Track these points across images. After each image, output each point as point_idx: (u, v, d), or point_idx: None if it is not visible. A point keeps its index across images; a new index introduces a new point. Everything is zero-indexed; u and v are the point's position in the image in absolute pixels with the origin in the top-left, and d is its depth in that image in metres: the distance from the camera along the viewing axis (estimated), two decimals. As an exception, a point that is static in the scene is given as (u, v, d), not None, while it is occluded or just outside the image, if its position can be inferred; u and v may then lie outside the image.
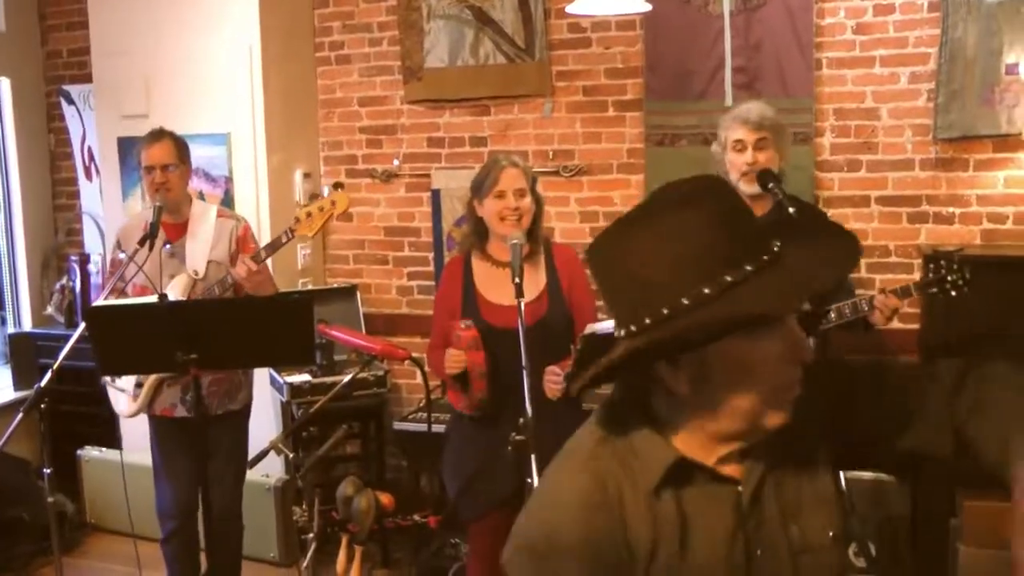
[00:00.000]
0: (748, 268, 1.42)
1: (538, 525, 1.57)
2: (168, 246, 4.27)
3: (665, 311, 1.43)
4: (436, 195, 5.70)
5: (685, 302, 1.42)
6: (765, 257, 1.44)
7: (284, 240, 4.11)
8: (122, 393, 4.35)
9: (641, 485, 1.54)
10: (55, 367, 3.81)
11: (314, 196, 4.12)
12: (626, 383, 1.62)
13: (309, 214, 4.08)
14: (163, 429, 4.38)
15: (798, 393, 1.51)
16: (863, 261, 4.98)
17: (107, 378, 4.40)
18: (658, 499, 1.54)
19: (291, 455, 3.49)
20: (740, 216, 1.49)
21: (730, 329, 1.42)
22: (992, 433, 1.56)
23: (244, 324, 3.71)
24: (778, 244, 1.46)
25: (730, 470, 1.57)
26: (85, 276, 6.39)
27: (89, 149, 6.48)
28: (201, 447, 3.93)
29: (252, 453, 4.37)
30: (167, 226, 4.27)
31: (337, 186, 4.15)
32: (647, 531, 1.53)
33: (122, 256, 4.31)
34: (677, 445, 1.55)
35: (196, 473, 4.03)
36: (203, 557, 4.47)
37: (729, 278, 1.41)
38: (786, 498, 1.59)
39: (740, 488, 1.56)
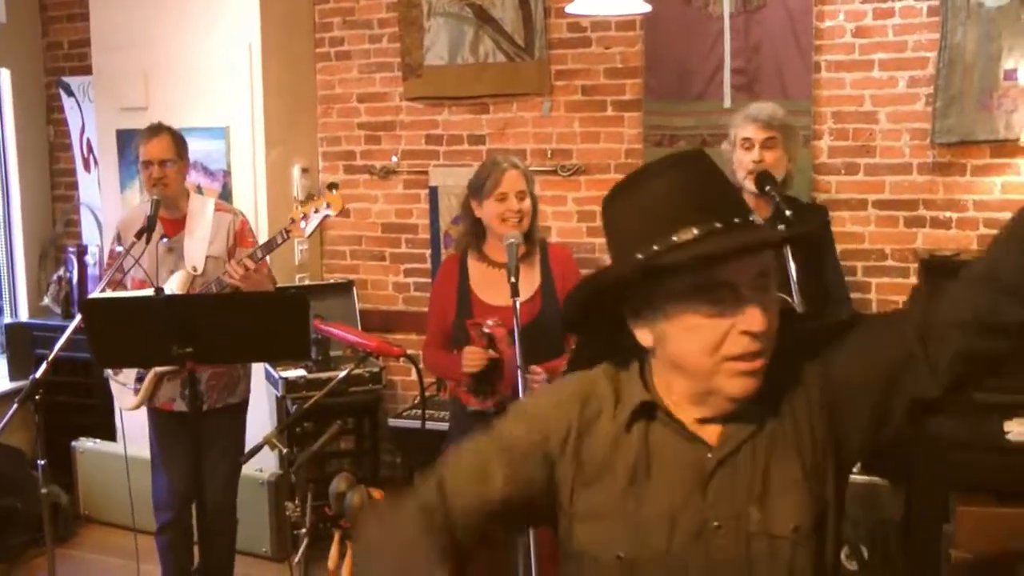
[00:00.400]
0: (695, 231, 1.53)
1: (530, 395, 1.77)
2: (165, 240, 4.28)
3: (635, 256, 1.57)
4: (434, 192, 5.70)
5: (639, 256, 1.55)
6: (718, 224, 1.53)
7: (280, 241, 4.11)
8: (124, 387, 4.36)
9: (618, 417, 1.65)
10: (50, 358, 3.80)
11: (310, 196, 4.12)
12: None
13: (304, 215, 4.08)
14: (162, 422, 4.40)
15: (758, 366, 1.55)
16: (859, 264, 4.99)
17: (109, 372, 4.42)
18: (627, 434, 1.64)
19: (285, 450, 3.50)
20: (711, 185, 1.60)
21: (637, 279, 1.55)
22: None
23: (240, 319, 3.71)
24: (752, 216, 1.58)
25: (708, 433, 1.63)
26: (82, 267, 6.40)
27: (88, 141, 6.48)
28: (196, 441, 3.92)
29: (247, 447, 4.39)
30: (164, 221, 4.27)
31: (331, 187, 4.15)
32: (602, 455, 1.64)
33: (120, 249, 4.32)
34: (659, 393, 1.65)
35: (192, 466, 4.05)
36: (196, 551, 4.48)
37: (675, 238, 1.53)
38: (757, 477, 1.61)
39: (710, 454, 1.61)
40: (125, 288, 4.31)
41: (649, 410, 1.64)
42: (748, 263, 1.53)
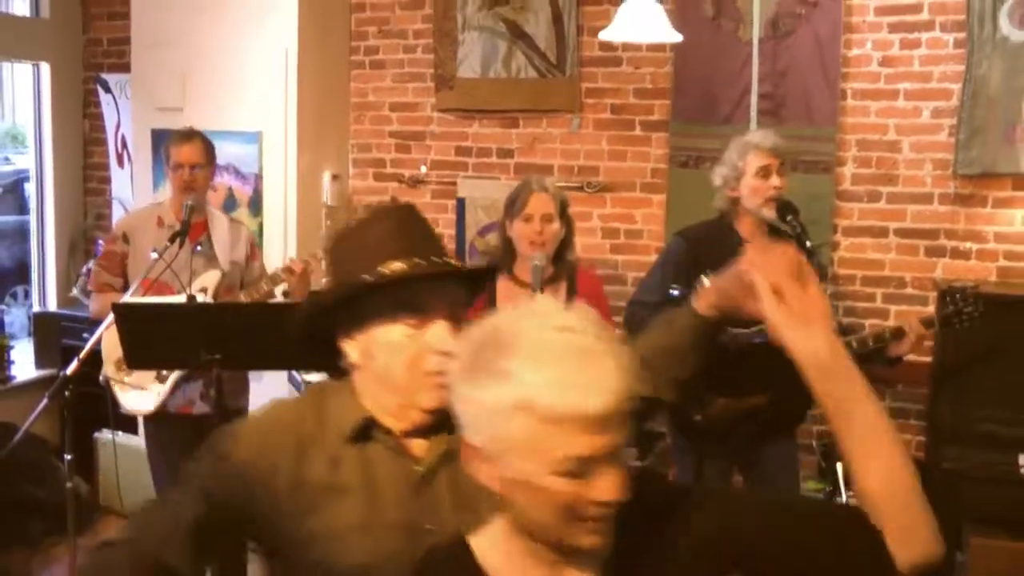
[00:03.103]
0: (399, 265, 1.77)
1: (228, 431, 1.89)
2: (200, 248, 4.37)
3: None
4: (461, 204, 5.75)
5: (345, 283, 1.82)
6: (417, 260, 1.78)
7: None
8: (138, 390, 4.40)
9: (332, 434, 1.81)
10: (81, 356, 3.89)
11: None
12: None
13: None
14: (177, 427, 4.42)
15: (439, 381, 1.71)
16: (879, 291, 5.04)
17: (108, 375, 4.46)
18: (346, 452, 1.80)
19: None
20: (414, 231, 1.86)
21: (355, 292, 1.78)
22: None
23: (268, 327, 3.78)
24: (446, 257, 1.82)
25: (416, 446, 1.82)
26: (112, 260, 6.49)
27: (122, 137, 6.58)
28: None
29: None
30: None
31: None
32: (324, 474, 1.79)
33: (120, 248, 4.43)
34: (367, 407, 1.82)
35: None
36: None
37: (381, 269, 1.76)
38: (461, 486, 1.75)
39: (417, 467, 1.80)
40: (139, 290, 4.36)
41: (369, 426, 1.82)
42: (440, 291, 1.79)
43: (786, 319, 1.50)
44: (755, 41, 5.09)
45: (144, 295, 4.26)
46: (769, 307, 1.52)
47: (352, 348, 1.81)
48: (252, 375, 4.66)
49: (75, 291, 6.64)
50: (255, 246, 4.57)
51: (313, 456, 1.80)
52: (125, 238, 4.50)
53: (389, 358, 1.77)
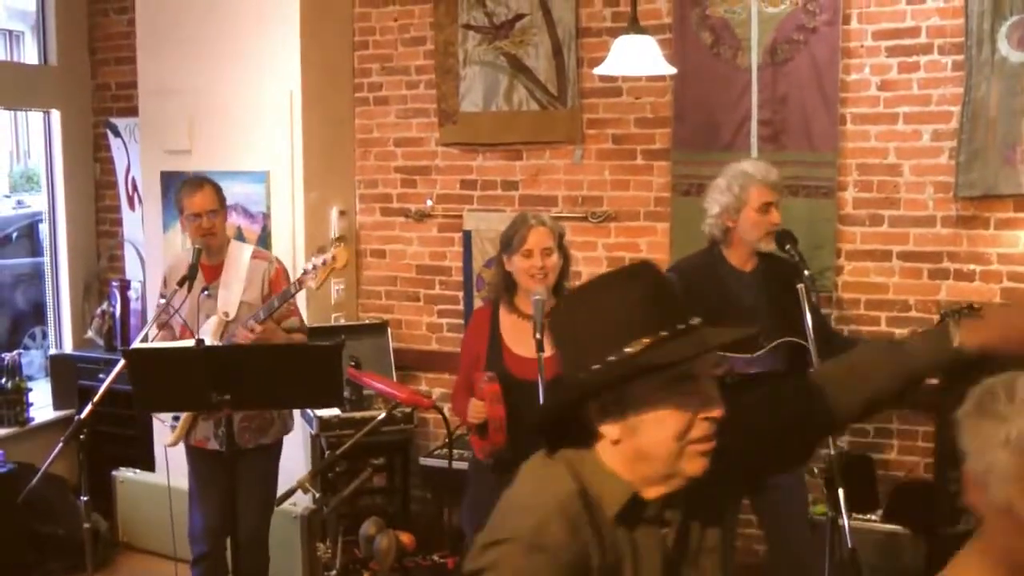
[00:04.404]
0: (663, 333, 1.69)
1: (524, 521, 1.72)
2: (206, 292, 4.44)
3: (595, 366, 1.71)
4: (467, 236, 5.81)
5: (611, 359, 1.70)
6: (680, 326, 1.71)
7: (293, 291, 4.28)
8: (163, 423, 4.55)
9: (599, 514, 1.73)
10: (95, 400, 3.99)
11: (321, 249, 4.25)
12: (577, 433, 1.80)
13: (313, 267, 4.23)
14: (198, 458, 4.56)
15: (712, 446, 1.71)
16: (883, 315, 5.06)
17: None
18: (613, 530, 1.73)
19: (317, 495, 3.62)
20: (666, 292, 1.78)
21: (636, 375, 1.68)
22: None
23: (276, 368, 3.86)
24: (697, 320, 1.75)
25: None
26: (125, 302, 6.56)
27: (133, 179, 6.66)
28: (231, 480, 4.07)
29: (281, 484, 4.53)
30: (206, 267, 4.44)
31: (340, 240, 4.30)
32: (599, 556, 1.71)
33: (162, 300, 4.50)
34: (629, 481, 1.76)
35: (226, 503, 4.19)
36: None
37: (647, 340, 1.69)
38: (691, 544, 1.81)
39: (664, 531, 1.78)
40: (173, 331, 4.48)
41: (635, 503, 1.74)
42: (708, 358, 1.73)
43: None
44: (754, 68, 5.13)
45: (155, 340, 4.38)
46: None
47: (612, 427, 1.72)
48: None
49: (90, 333, 6.72)
50: (279, 281, 4.54)
51: (590, 539, 1.70)
52: (165, 282, 4.62)
53: (658, 432, 1.69)
